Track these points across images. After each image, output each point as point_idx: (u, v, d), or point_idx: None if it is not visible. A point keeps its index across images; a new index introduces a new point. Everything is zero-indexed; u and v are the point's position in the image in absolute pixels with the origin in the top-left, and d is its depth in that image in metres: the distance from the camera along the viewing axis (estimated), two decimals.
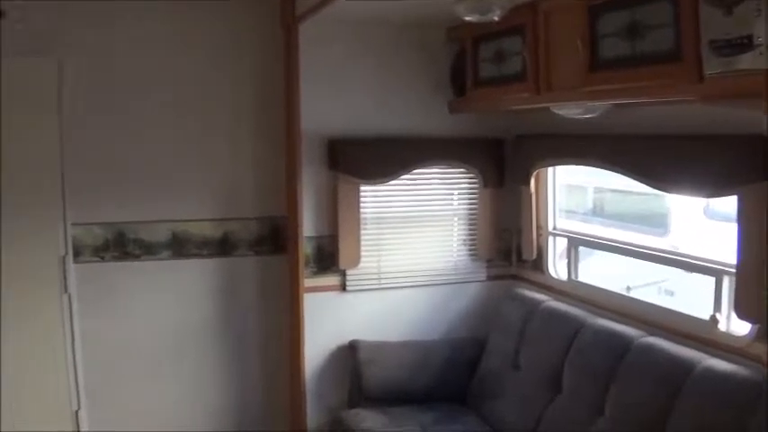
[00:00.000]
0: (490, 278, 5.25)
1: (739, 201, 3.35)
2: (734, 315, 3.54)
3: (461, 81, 4.86)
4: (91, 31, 4.79)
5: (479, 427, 4.48)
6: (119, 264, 4.98)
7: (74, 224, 4.87)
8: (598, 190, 5.05)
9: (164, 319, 5.10)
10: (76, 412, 5.01)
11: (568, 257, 4.83)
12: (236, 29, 5.00)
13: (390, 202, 5.05)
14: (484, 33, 4.49)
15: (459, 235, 5.21)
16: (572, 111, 3.89)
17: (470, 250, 5.23)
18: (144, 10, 4.81)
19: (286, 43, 4.89)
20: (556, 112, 4.00)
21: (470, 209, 5.19)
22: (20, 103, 4.75)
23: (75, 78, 4.80)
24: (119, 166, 4.91)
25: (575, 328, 4.18)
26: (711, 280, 3.69)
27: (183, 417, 5.16)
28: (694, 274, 4.02)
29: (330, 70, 4.84)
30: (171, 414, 5.14)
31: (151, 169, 4.97)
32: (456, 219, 5.19)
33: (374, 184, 4.95)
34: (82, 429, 5.02)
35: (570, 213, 5.12)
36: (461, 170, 5.14)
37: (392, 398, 4.82)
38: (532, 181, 4.87)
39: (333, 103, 4.85)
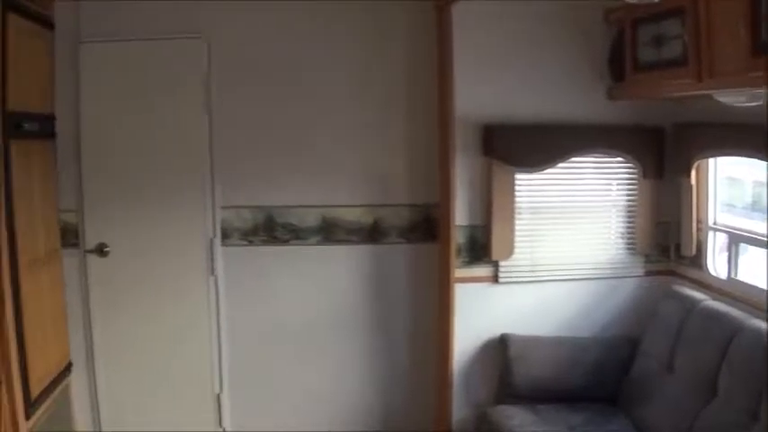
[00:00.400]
0: (647, 274, 5.70)
1: None
2: None
3: (620, 65, 5.25)
4: (240, 11, 5.56)
5: (630, 431, 4.86)
6: (267, 248, 5.75)
7: (223, 207, 5.66)
8: (758, 183, 5.25)
9: (310, 306, 5.82)
10: (218, 396, 5.81)
11: (728, 254, 5.13)
12: (387, 10, 5.63)
13: (546, 191, 5.56)
14: (643, 15, 4.83)
15: (616, 228, 5.71)
16: (736, 98, 4.21)
17: (628, 244, 5.70)
18: None
19: (439, 24, 5.43)
20: (719, 99, 4.35)
21: (629, 200, 5.64)
22: (168, 84, 5.62)
23: (223, 61, 5.60)
24: (268, 150, 5.68)
25: (733, 330, 4.44)
26: None
27: (326, 403, 5.89)
28: None
29: (484, 52, 5.37)
30: (313, 401, 5.87)
31: (301, 153, 5.70)
32: (614, 210, 5.68)
33: (530, 172, 5.45)
34: (223, 413, 5.83)
35: (729, 207, 5.37)
36: (620, 159, 5.55)
37: (540, 396, 5.32)
38: (693, 172, 5.25)
39: (487, 86, 5.38)
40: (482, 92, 5.39)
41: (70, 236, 5.73)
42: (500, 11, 5.32)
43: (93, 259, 5.75)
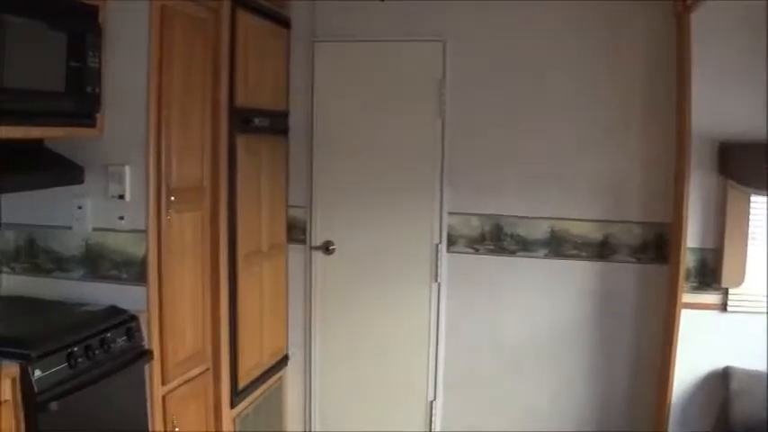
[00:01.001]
0: None
1: None
2: None
3: None
4: (475, 14, 5.61)
5: None
6: (493, 257, 5.76)
7: (451, 213, 5.71)
8: None
9: (531, 319, 5.78)
10: (431, 402, 5.84)
11: None
12: (628, 12, 5.50)
13: None
14: None
15: None
16: None
17: None
18: None
19: (678, 31, 5.28)
20: None
21: None
22: (402, 87, 5.71)
23: (458, 64, 5.66)
24: (499, 157, 5.68)
25: None
26: None
27: (539, 419, 5.83)
28: None
29: (725, 62, 5.08)
30: (526, 414, 5.83)
31: (532, 162, 5.66)
32: None
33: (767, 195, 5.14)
34: (434, 421, 5.85)
35: None
36: None
37: None
38: None
39: (726, 99, 5.09)
40: (720, 105, 5.06)
41: (298, 232, 5.95)
42: (745, 16, 5.05)
43: (319, 256, 5.94)
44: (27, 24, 3.61)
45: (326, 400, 6.04)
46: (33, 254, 4.55)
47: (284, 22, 5.72)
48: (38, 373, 3.45)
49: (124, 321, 4.12)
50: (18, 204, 4.51)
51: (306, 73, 5.88)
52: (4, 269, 4.61)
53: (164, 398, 4.42)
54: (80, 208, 4.39)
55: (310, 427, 6.09)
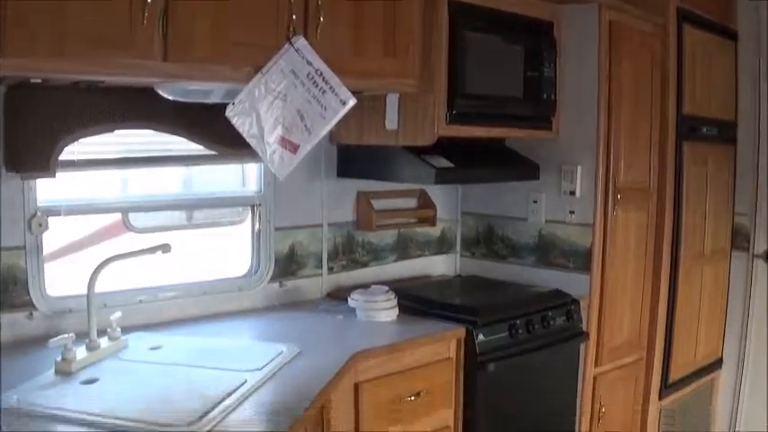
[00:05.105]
0: None
1: None
2: None
3: None
4: None
5: None
6: None
7: None
8: None
9: None
10: None
11: None
12: None
13: None
14: None
15: None
16: None
17: None
18: None
19: None
20: None
21: None
22: None
23: None
24: None
25: None
26: None
27: None
28: None
29: None
30: None
31: None
32: None
33: None
34: None
35: None
36: None
37: None
38: None
39: None
40: None
41: (741, 239, 6.02)
42: None
43: (760, 264, 5.94)
44: (488, 40, 4.25)
45: (753, 405, 6.03)
46: (491, 240, 5.22)
47: (731, 36, 5.88)
48: (481, 337, 4.05)
49: (566, 303, 4.61)
50: (479, 196, 5.26)
51: (753, 84, 5.92)
52: (464, 253, 5.37)
53: (595, 378, 4.84)
54: (535, 202, 4.98)
55: (735, 425, 6.12)
